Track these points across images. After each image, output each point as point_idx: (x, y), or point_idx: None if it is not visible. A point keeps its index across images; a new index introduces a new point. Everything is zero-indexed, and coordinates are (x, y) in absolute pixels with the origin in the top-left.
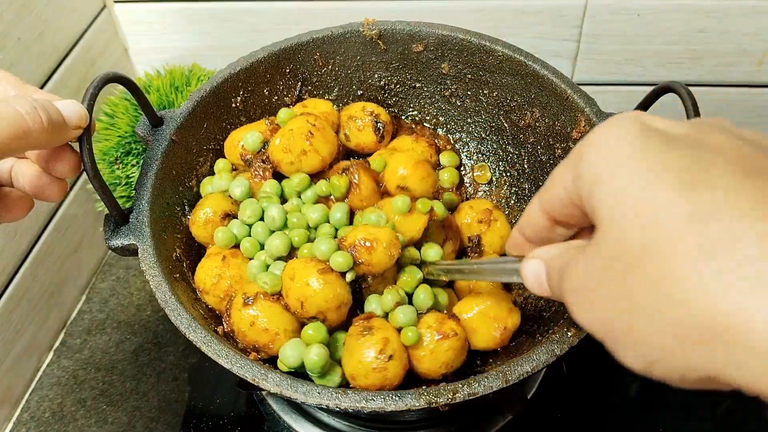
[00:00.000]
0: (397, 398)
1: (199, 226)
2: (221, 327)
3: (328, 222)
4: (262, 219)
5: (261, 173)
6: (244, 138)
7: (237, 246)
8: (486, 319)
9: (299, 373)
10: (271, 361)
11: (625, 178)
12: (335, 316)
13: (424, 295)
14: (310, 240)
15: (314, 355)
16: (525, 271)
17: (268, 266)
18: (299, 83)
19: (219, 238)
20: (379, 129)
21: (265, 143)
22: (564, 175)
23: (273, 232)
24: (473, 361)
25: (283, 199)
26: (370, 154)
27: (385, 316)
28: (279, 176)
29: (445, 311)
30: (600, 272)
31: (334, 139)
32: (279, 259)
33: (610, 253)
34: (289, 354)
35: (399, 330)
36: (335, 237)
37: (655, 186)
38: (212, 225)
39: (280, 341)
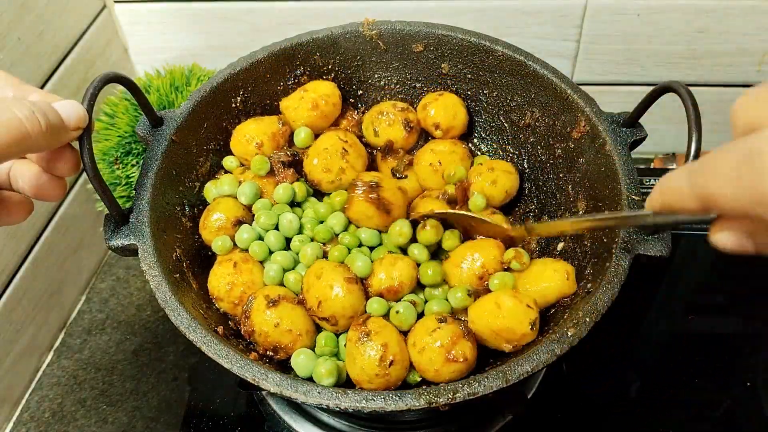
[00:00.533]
0: (397, 398)
1: (211, 232)
2: (222, 327)
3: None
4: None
5: (285, 178)
6: (297, 134)
7: (245, 250)
8: (497, 338)
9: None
10: (271, 360)
11: None
12: (345, 323)
13: (437, 308)
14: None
15: (323, 369)
16: (722, 243)
17: (284, 270)
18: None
19: (218, 246)
20: (408, 123)
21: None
22: (734, 186)
23: (286, 238)
24: None
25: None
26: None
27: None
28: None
29: (462, 319)
30: None
31: (365, 152)
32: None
33: None
34: (302, 364)
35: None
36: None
37: None
38: (224, 232)
39: (302, 341)
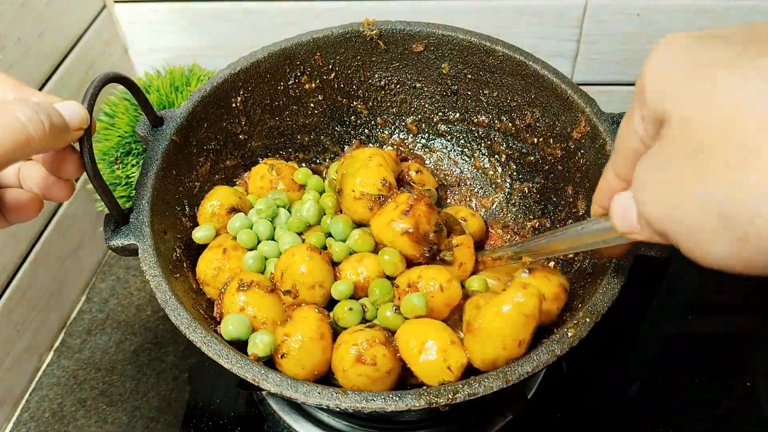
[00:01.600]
0: (397, 398)
1: (205, 218)
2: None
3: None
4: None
5: None
6: None
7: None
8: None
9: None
10: (270, 362)
11: (689, 69)
12: (308, 295)
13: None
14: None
15: (259, 342)
16: (613, 207)
17: (266, 259)
18: (299, 83)
19: (197, 237)
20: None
21: None
22: (629, 123)
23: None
24: None
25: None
26: None
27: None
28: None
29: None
30: (671, 157)
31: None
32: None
33: (679, 136)
34: (231, 330)
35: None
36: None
37: (717, 67)
38: (218, 218)
39: (266, 330)
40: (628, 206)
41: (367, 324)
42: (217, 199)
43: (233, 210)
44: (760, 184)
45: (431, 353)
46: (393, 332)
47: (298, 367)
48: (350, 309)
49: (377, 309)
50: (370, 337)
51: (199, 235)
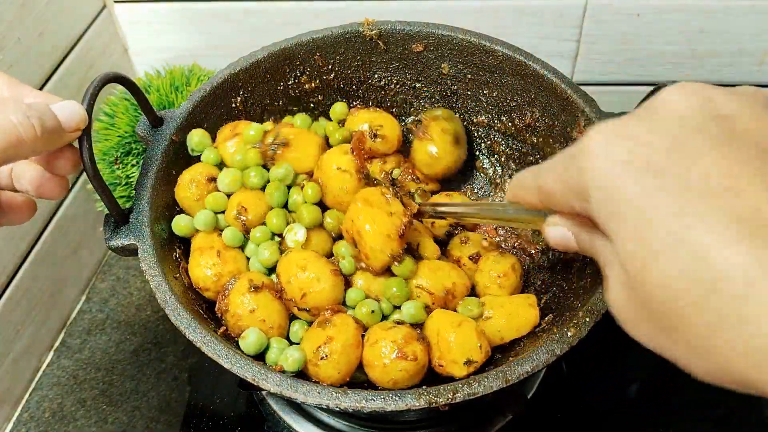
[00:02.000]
0: (397, 398)
1: (183, 188)
2: (222, 329)
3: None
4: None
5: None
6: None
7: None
8: (434, 348)
9: (300, 373)
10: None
11: (638, 203)
12: (325, 309)
13: (412, 308)
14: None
15: (289, 357)
16: (550, 236)
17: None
18: (299, 83)
19: (179, 227)
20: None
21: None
22: (561, 181)
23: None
24: None
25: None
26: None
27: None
28: None
29: (418, 330)
30: (637, 301)
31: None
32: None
33: (647, 294)
34: (251, 341)
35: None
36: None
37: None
38: (197, 185)
39: (271, 334)
40: (567, 237)
41: (396, 321)
42: (194, 170)
43: (212, 179)
44: (733, 363)
45: (466, 333)
46: (416, 326)
47: (334, 371)
48: (372, 311)
49: (392, 306)
50: (406, 334)
51: (183, 223)
